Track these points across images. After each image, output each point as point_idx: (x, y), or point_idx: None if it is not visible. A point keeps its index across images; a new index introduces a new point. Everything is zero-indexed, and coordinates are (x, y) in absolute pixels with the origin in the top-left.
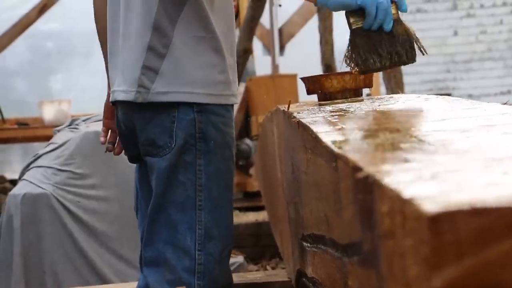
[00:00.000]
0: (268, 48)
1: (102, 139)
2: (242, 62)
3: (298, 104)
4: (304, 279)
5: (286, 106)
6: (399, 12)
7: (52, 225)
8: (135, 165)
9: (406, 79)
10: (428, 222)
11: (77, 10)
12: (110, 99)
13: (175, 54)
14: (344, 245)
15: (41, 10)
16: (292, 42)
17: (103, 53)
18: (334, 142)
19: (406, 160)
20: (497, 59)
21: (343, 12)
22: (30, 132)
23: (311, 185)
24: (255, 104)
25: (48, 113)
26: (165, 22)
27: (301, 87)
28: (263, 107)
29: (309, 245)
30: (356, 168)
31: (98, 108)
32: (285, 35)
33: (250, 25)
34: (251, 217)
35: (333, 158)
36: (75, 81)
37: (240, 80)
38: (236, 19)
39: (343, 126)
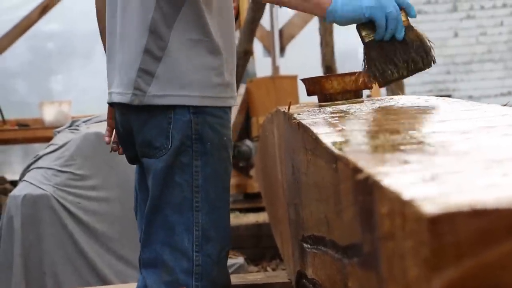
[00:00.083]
0: (269, 50)
1: (106, 139)
2: (242, 64)
3: (298, 105)
4: (304, 281)
5: (287, 107)
6: (409, 18)
7: (52, 226)
8: (135, 166)
9: (406, 80)
10: (428, 223)
11: (77, 11)
12: (107, 100)
13: (171, 57)
14: (344, 246)
15: (42, 11)
16: (292, 44)
17: (105, 52)
18: (334, 144)
19: (406, 162)
20: (497, 60)
21: None
22: (30, 133)
23: (311, 186)
24: (255, 105)
25: (49, 114)
26: (162, 25)
27: (302, 88)
28: (264, 108)
29: (309, 246)
30: (356, 170)
31: (98, 109)
32: (285, 37)
33: (251, 27)
34: (251, 218)
35: (333, 159)
36: (75, 82)
37: (240, 81)
38: (236, 20)
39: (343, 128)
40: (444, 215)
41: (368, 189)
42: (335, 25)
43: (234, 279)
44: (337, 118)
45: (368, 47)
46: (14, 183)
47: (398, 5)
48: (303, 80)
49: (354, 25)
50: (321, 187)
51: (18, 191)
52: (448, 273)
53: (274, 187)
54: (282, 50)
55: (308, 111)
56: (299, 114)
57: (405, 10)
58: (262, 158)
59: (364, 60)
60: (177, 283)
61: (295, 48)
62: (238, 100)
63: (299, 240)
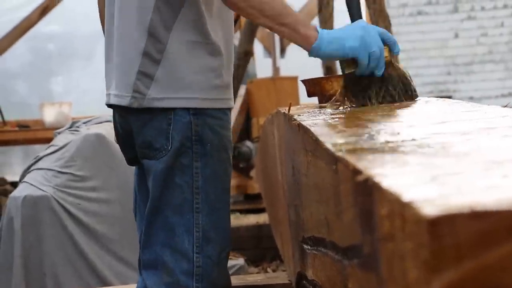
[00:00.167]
0: (269, 51)
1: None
2: (243, 65)
3: (298, 106)
4: (304, 282)
5: (287, 108)
6: (392, 55)
7: (52, 227)
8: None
9: None
10: (427, 225)
11: (78, 12)
12: (106, 102)
13: (170, 59)
14: (344, 247)
15: (42, 12)
16: (292, 45)
17: None
18: (334, 145)
19: (406, 163)
20: (498, 61)
21: (344, 14)
22: (30, 134)
23: (312, 187)
24: (256, 106)
25: (49, 115)
26: (161, 27)
27: (302, 89)
28: (264, 109)
29: (309, 247)
30: (356, 171)
31: (99, 110)
32: None
33: (251, 28)
34: (251, 219)
35: (333, 160)
36: (76, 83)
37: (241, 82)
38: (236, 21)
39: (344, 129)
40: (444, 217)
41: (368, 191)
42: (335, 27)
43: (235, 280)
44: (337, 119)
45: (346, 76)
46: (14, 184)
47: (383, 41)
48: (304, 81)
49: None
50: (321, 188)
51: (18, 192)
52: (448, 275)
53: (274, 188)
54: (283, 51)
55: (308, 112)
56: (300, 115)
57: (389, 46)
58: (263, 159)
59: (342, 85)
60: (178, 284)
61: (296, 49)
62: (239, 101)
63: (299, 241)
